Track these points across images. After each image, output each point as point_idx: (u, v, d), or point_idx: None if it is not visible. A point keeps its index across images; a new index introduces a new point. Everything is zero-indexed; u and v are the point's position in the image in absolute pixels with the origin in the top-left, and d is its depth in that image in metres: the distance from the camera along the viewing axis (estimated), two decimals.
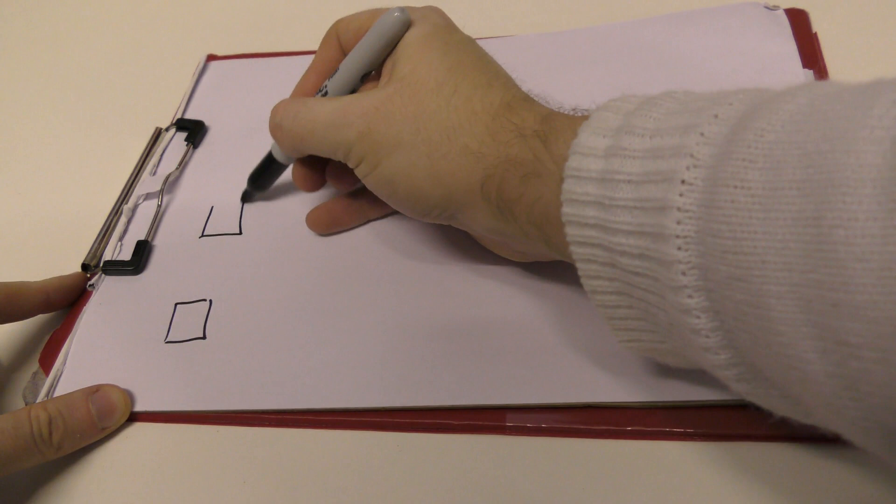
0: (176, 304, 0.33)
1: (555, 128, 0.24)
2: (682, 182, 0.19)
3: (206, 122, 0.42)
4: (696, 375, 0.26)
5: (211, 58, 0.47)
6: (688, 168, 0.19)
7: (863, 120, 0.16)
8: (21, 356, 0.33)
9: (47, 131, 0.45)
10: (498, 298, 0.30)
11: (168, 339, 0.31)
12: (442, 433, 0.27)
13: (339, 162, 0.30)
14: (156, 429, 0.29)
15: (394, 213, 0.35)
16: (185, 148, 0.40)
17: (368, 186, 0.29)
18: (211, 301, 0.33)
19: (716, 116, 0.20)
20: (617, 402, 0.26)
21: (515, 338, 0.29)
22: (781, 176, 0.17)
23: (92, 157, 0.42)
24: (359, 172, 0.29)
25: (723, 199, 0.18)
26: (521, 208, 0.25)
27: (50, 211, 0.39)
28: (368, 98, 0.28)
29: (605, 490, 0.25)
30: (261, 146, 0.40)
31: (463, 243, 0.32)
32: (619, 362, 0.27)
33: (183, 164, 0.40)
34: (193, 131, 0.41)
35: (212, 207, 0.37)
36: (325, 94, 0.31)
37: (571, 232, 0.22)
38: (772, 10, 0.38)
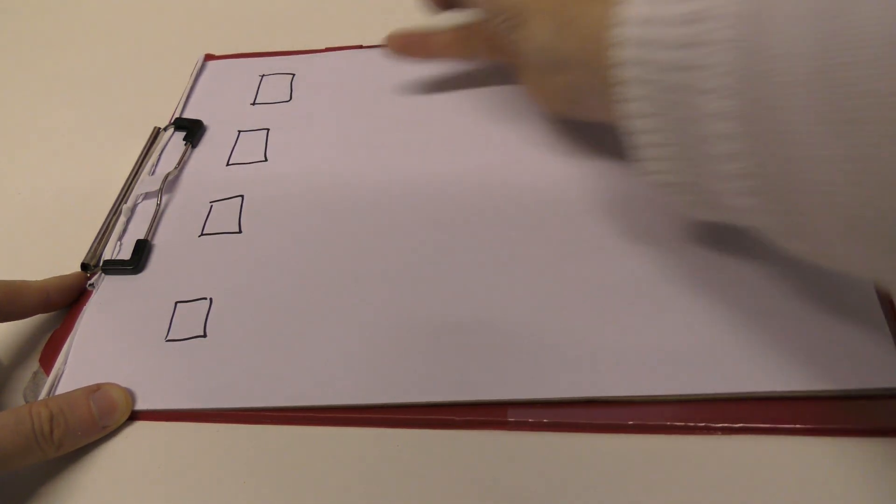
0: (176, 303, 0.33)
1: None
2: None
3: (205, 122, 0.42)
4: (697, 367, 0.26)
5: (209, 57, 0.47)
6: None
7: None
8: (21, 356, 0.33)
9: (46, 131, 0.45)
10: (499, 294, 0.30)
11: (168, 338, 0.31)
12: (443, 429, 0.27)
13: None
14: (157, 427, 0.29)
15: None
16: (184, 147, 0.40)
17: None
18: (211, 299, 0.33)
19: None
20: (618, 396, 0.26)
21: (517, 332, 0.29)
22: None
23: (90, 156, 0.42)
24: None
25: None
26: (581, 23, 0.27)
27: (49, 211, 0.39)
28: None
29: (607, 485, 0.25)
30: (259, 145, 0.40)
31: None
32: (622, 357, 0.27)
33: (182, 164, 0.40)
34: (192, 131, 0.41)
35: (211, 206, 0.37)
36: None
37: (619, 52, 0.24)
38: None
